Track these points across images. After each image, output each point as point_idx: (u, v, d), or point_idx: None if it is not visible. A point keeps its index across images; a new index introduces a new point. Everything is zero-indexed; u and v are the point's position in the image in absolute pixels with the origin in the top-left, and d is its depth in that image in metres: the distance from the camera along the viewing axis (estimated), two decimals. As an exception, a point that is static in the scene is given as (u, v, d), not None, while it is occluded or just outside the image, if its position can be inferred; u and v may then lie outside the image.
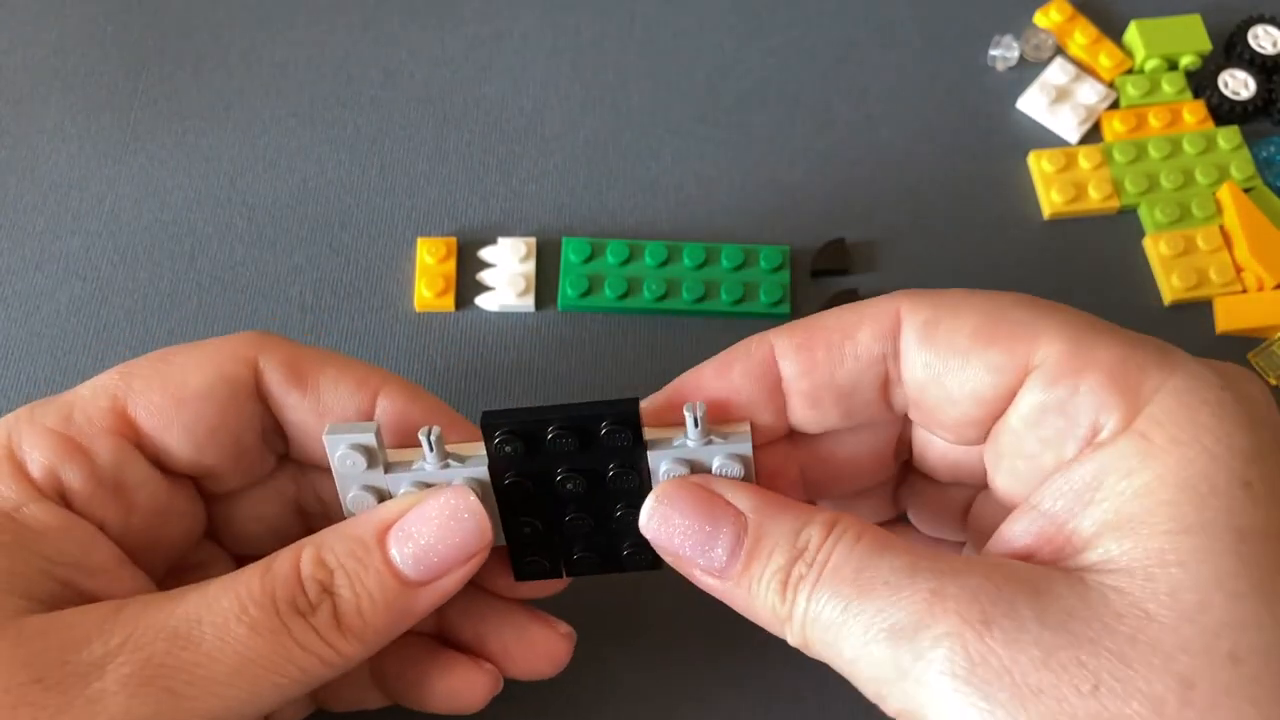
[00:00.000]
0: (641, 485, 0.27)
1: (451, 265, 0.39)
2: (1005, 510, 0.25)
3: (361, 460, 0.27)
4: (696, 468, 0.27)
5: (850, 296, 0.38)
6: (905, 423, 0.29)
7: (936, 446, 0.28)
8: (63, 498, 0.26)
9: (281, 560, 0.25)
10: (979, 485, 0.28)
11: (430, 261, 0.39)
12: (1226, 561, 0.21)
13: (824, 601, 0.23)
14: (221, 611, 0.24)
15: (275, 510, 0.30)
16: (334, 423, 0.27)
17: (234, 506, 0.30)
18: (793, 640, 0.24)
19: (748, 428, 0.27)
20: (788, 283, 0.38)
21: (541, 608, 0.30)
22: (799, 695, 0.33)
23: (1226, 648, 0.21)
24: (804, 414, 0.27)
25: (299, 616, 0.25)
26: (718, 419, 0.27)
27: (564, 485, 0.27)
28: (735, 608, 0.26)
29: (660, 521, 0.26)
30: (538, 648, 0.29)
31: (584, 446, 0.26)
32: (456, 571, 0.26)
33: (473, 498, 0.26)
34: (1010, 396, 0.25)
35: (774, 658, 0.33)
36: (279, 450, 0.29)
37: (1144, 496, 0.22)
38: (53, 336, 0.38)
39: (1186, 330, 0.38)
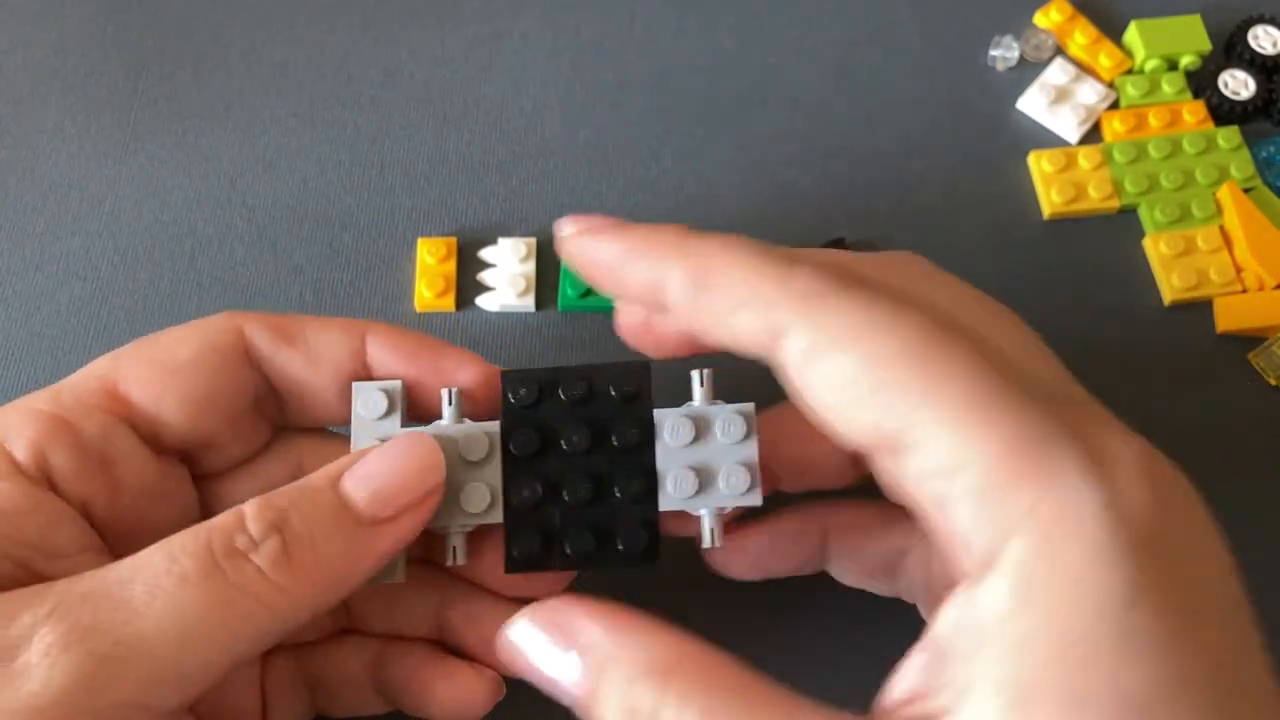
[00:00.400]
0: (643, 442, 0.27)
1: (451, 265, 0.39)
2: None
3: (383, 402, 0.28)
4: (700, 425, 0.27)
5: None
6: None
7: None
8: (48, 477, 0.26)
9: (223, 514, 0.25)
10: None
11: (430, 261, 0.39)
12: None
13: None
14: (153, 567, 0.23)
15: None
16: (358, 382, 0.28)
17: (225, 493, 0.30)
18: None
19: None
20: None
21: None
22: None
23: None
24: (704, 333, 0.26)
25: (238, 557, 0.24)
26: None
27: (569, 439, 0.27)
28: None
29: (513, 656, 0.24)
30: None
31: (593, 398, 0.28)
32: (412, 512, 0.26)
33: (428, 437, 0.27)
34: (887, 455, 0.23)
35: (773, 657, 0.33)
36: (272, 418, 0.30)
37: (1025, 655, 0.20)
38: (53, 337, 0.38)
39: (1186, 330, 0.38)
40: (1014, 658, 0.20)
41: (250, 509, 0.25)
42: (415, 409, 0.29)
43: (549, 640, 0.24)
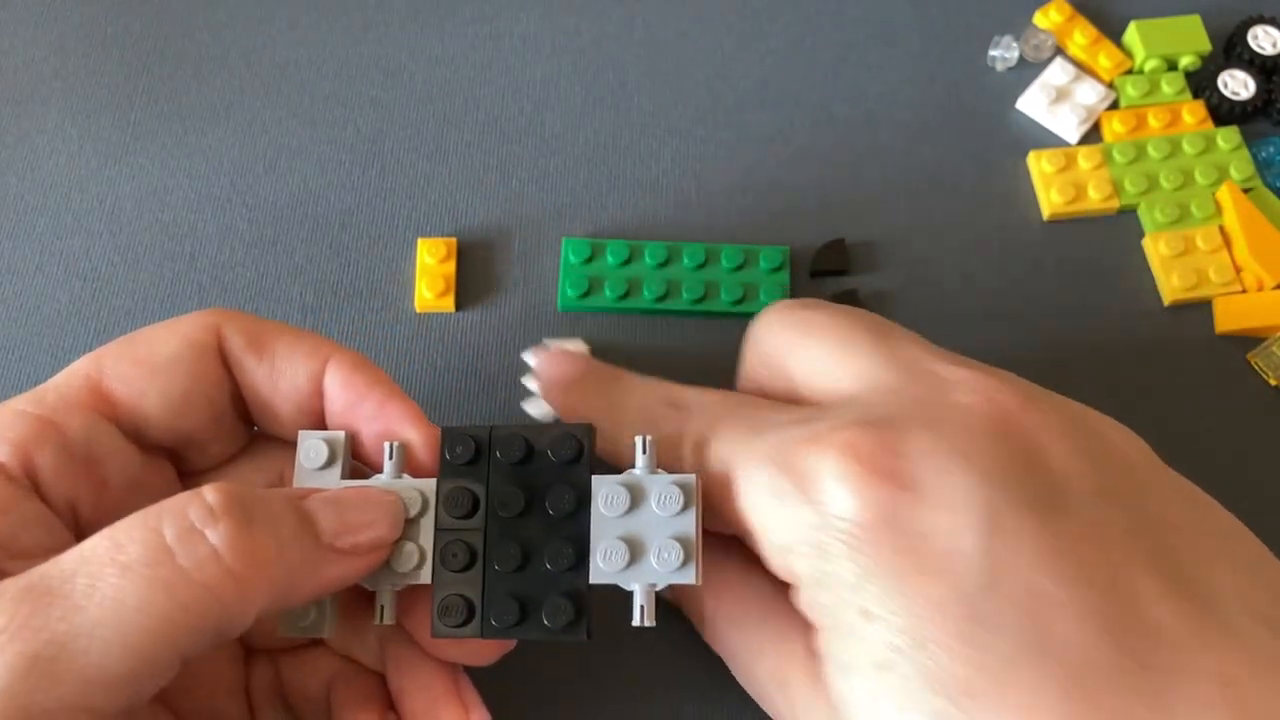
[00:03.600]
0: (577, 511, 0.27)
1: (451, 266, 0.39)
2: None
3: (324, 453, 0.28)
4: (636, 493, 0.27)
5: (850, 297, 0.38)
6: None
7: None
8: (33, 479, 0.26)
9: (181, 493, 0.24)
10: None
11: (430, 262, 0.39)
12: None
13: None
14: (96, 556, 0.22)
15: None
16: (304, 428, 0.29)
17: None
18: None
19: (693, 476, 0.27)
20: (787, 283, 0.38)
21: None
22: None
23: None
24: None
25: (193, 535, 0.22)
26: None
27: (500, 502, 0.27)
28: None
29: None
30: None
31: (530, 460, 0.27)
32: (363, 555, 0.26)
33: (397, 498, 0.27)
34: None
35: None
36: (249, 421, 0.30)
37: None
38: (53, 337, 0.38)
39: (1186, 330, 0.38)
40: None
41: (211, 489, 0.24)
42: (356, 455, 0.29)
43: None
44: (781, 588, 0.28)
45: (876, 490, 0.25)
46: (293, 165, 0.41)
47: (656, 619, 0.26)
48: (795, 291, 0.39)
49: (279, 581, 0.24)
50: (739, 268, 0.38)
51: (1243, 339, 0.38)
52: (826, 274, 0.39)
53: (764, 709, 0.29)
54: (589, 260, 0.38)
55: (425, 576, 0.27)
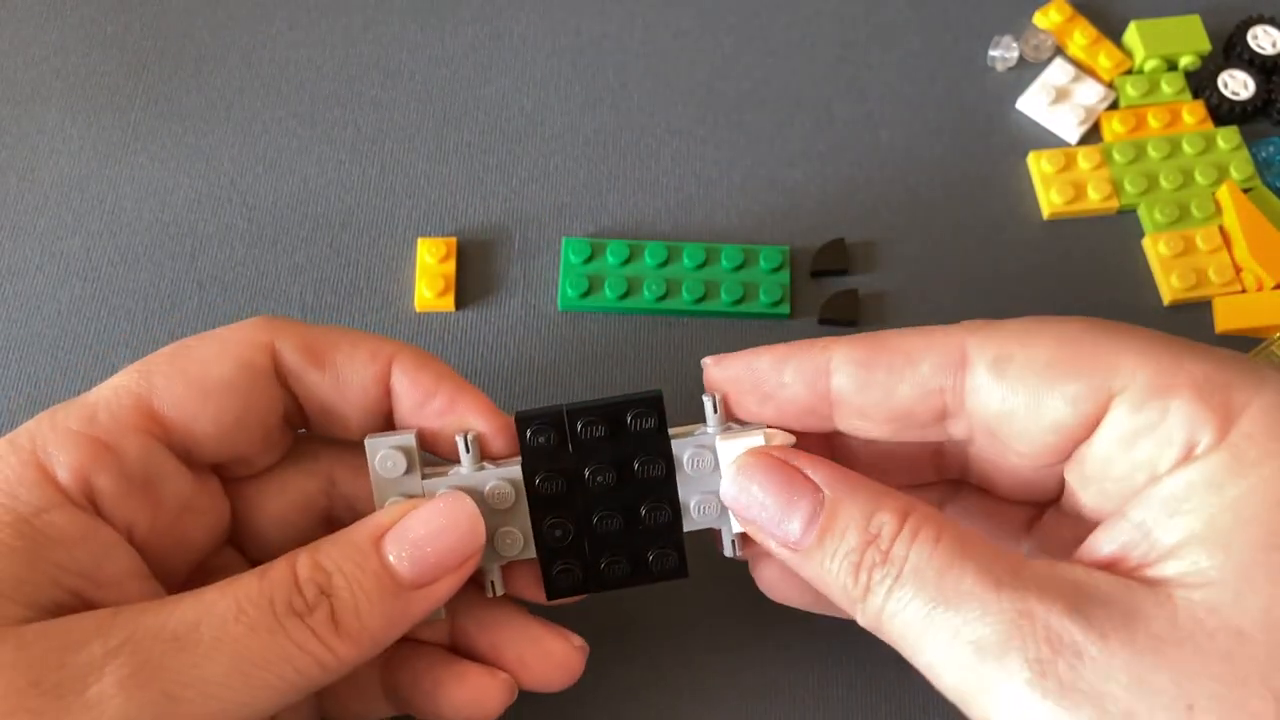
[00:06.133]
0: (668, 475, 0.28)
1: (451, 265, 0.39)
2: (1085, 525, 0.26)
3: (402, 462, 0.28)
4: (715, 455, 0.28)
5: (850, 297, 0.38)
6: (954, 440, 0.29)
7: (1005, 467, 0.28)
8: (92, 501, 0.26)
9: (278, 565, 0.25)
10: (1049, 501, 0.28)
11: (430, 261, 0.39)
12: None
13: (906, 601, 0.24)
14: (219, 614, 0.24)
15: (297, 512, 0.30)
16: (371, 434, 0.29)
17: (258, 506, 0.30)
18: (862, 622, 0.25)
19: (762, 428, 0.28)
20: (787, 283, 0.38)
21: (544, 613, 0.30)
22: (796, 691, 0.33)
23: None
24: (850, 423, 0.28)
25: (295, 617, 0.25)
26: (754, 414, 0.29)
27: (594, 478, 0.28)
28: (805, 578, 0.26)
29: (739, 490, 0.27)
30: (554, 659, 0.29)
31: (612, 435, 0.28)
32: (451, 575, 0.26)
33: (468, 500, 0.27)
34: (1093, 424, 0.25)
35: (772, 655, 0.33)
36: (296, 427, 0.30)
37: (1234, 510, 0.22)
38: (53, 337, 0.38)
39: (1186, 330, 0.38)
40: (1221, 513, 0.22)
41: (302, 570, 0.25)
42: (424, 447, 0.29)
43: (779, 479, 0.26)
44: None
45: None
46: (293, 165, 0.41)
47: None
48: (795, 291, 0.39)
49: (371, 643, 0.26)
50: (739, 268, 0.38)
51: (1243, 339, 0.38)
52: (826, 274, 0.39)
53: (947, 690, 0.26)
54: (589, 260, 0.38)
55: (530, 553, 0.29)
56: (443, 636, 0.30)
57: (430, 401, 0.28)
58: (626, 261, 0.38)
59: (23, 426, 0.26)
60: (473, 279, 0.39)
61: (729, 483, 0.27)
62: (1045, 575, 0.23)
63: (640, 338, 0.38)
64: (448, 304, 0.38)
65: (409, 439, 0.28)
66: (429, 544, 0.26)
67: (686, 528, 0.29)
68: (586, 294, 0.38)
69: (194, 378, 0.27)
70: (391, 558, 0.26)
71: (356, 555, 0.26)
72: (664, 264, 0.38)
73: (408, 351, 0.29)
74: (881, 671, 0.33)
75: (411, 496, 0.28)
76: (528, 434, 0.28)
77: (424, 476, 0.28)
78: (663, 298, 0.38)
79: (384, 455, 0.28)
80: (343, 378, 0.28)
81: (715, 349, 0.29)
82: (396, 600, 0.26)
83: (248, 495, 0.30)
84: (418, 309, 0.39)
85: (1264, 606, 0.21)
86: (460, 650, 0.30)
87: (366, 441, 0.28)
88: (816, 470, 0.26)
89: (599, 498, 0.28)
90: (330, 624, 0.25)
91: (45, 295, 0.39)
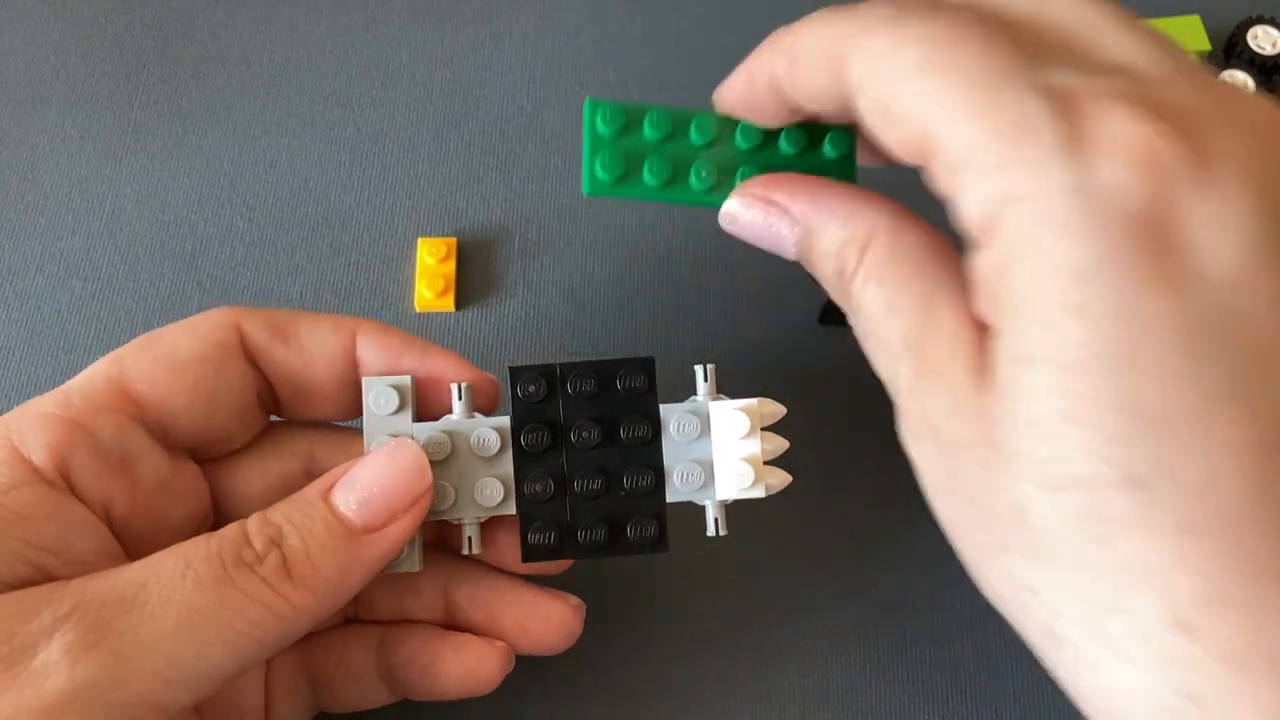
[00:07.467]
0: (653, 438, 0.29)
1: (451, 265, 0.39)
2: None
3: (394, 398, 0.28)
4: (702, 420, 0.29)
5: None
6: None
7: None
8: (67, 480, 0.26)
9: (229, 526, 0.26)
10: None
11: (430, 262, 0.39)
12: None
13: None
14: (166, 571, 0.24)
15: (278, 495, 0.30)
16: (367, 376, 0.29)
17: (237, 489, 0.30)
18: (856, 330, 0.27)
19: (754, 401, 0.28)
20: (853, 172, 0.31)
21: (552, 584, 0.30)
22: (809, 681, 0.33)
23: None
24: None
25: (245, 567, 0.25)
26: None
27: (580, 433, 0.28)
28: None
29: (731, 223, 0.28)
30: (552, 620, 0.30)
31: (601, 392, 0.29)
32: (404, 518, 0.27)
33: (413, 444, 0.27)
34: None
35: (782, 649, 0.33)
36: (270, 411, 0.30)
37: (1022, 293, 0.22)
38: (53, 337, 0.38)
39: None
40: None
41: (251, 525, 0.25)
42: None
43: (764, 214, 0.28)
44: (939, 246, 0.26)
45: (1164, 177, 0.21)
46: (293, 165, 0.41)
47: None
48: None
49: (327, 589, 0.25)
50: (803, 153, 0.30)
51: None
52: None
53: (876, 369, 0.26)
54: (622, 133, 0.30)
55: (510, 508, 0.29)
56: (437, 614, 0.30)
57: (401, 362, 0.29)
58: (669, 138, 0.30)
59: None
60: (473, 279, 0.39)
61: (726, 220, 0.28)
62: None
63: (640, 338, 0.38)
64: (448, 304, 0.38)
65: (405, 379, 0.29)
66: (375, 486, 0.26)
67: (670, 498, 0.29)
68: (623, 178, 0.29)
69: (164, 355, 0.28)
70: (340, 505, 0.26)
71: (305, 507, 0.26)
72: (712, 144, 0.30)
73: (370, 322, 0.30)
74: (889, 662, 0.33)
75: (402, 436, 0.28)
76: (517, 385, 0.29)
77: (415, 420, 0.29)
78: (714, 188, 0.29)
79: (378, 391, 0.29)
80: (308, 349, 0.29)
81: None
82: (349, 544, 0.26)
83: (228, 479, 0.30)
84: (418, 309, 0.39)
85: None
86: (456, 626, 0.30)
87: (364, 380, 0.29)
88: (793, 200, 0.27)
89: (582, 454, 0.29)
90: (282, 571, 0.25)
91: (45, 295, 0.39)
